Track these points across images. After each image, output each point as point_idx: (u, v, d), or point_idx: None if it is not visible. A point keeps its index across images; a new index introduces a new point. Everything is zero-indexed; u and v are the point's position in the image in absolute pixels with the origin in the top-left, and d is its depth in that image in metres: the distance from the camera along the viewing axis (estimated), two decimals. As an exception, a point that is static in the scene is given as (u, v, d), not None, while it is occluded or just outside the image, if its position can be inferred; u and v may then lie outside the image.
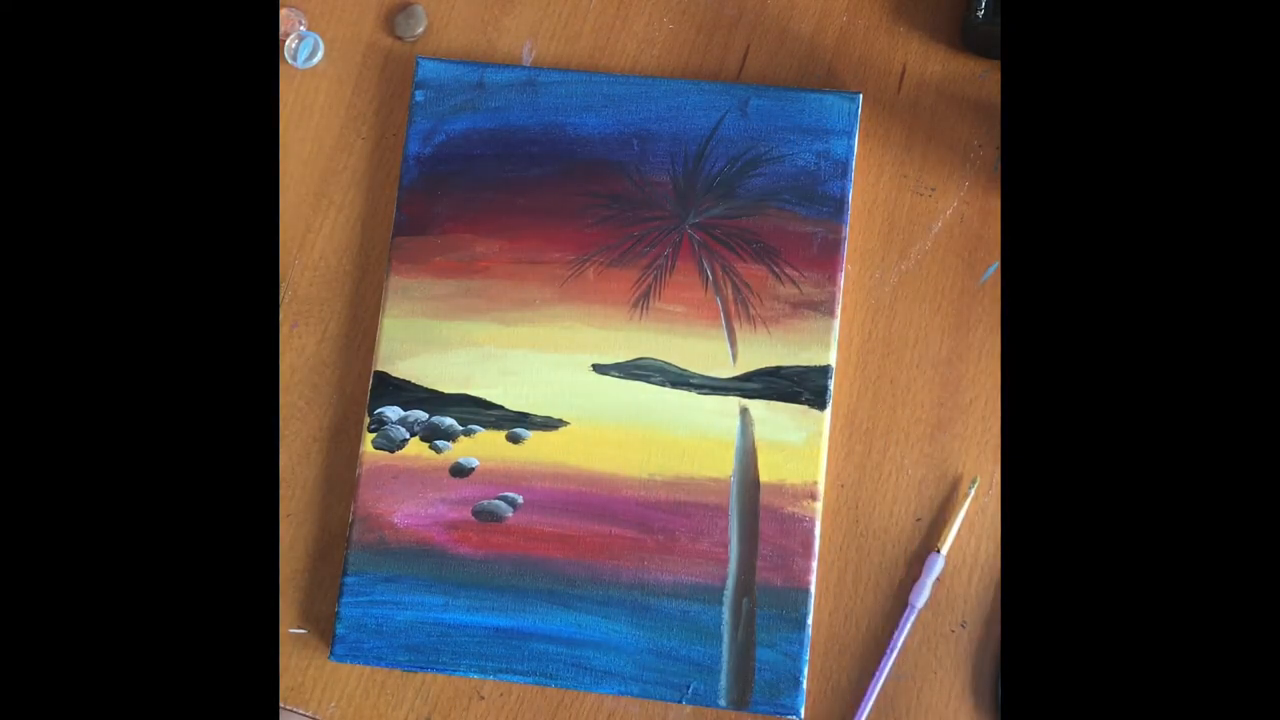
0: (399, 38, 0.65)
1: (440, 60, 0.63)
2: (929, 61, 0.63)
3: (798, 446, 0.58)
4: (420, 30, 0.65)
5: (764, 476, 0.58)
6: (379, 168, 0.64)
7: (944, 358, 0.61)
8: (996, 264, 0.61)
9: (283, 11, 0.65)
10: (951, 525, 0.59)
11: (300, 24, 0.65)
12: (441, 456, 0.60)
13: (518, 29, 0.65)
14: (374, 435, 0.60)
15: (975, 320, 0.61)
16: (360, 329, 0.63)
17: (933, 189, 0.62)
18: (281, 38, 0.65)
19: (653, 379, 0.59)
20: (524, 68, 0.63)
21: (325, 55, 0.65)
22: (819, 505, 0.58)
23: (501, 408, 0.60)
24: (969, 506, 0.59)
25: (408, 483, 0.59)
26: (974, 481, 0.59)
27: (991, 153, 0.62)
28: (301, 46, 0.65)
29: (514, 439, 0.59)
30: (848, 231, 0.60)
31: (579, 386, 0.60)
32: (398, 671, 0.60)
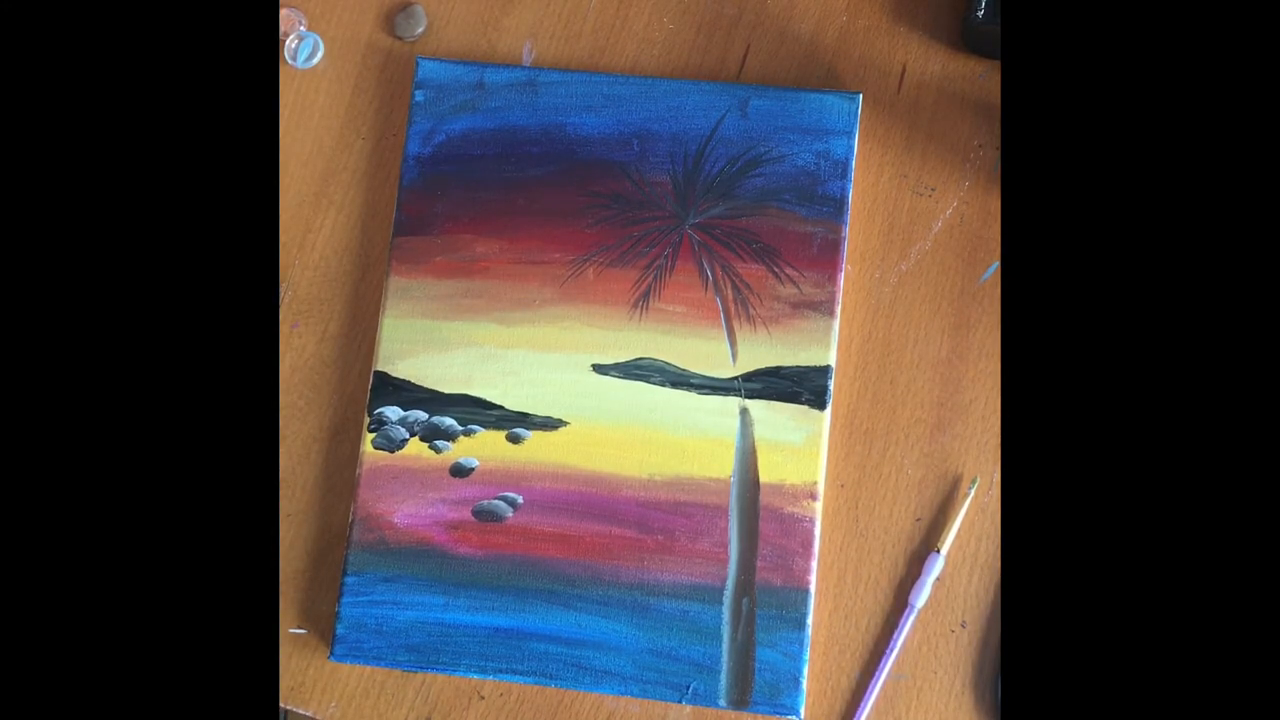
0: (399, 38, 0.65)
1: (440, 60, 0.63)
2: (929, 61, 0.63)
3: (797, 446, 0.58)
4: (420, 30, 0.65)
5: (764, 476, 0.58)
6: (379, 168, 0.64)
7: (944, 358, 0.61)
8: (996, 264, 0.61)
9: (283, 11, 0.65)
10: (951, 525, 0.59)
11: (300, 24, 0.65)
12: (441, 456, 0.60)
13: (518, 29, 0.65)
14: (374, 435, 0.60)
15: (975, 320, 0.61)
16: (360, 329, 0.63)
17: (933, 189, 0.62)
18: (281, 38, 0.65)
19: (653, 379, 0.59)
20: (524, 68, 0.63)
21: (325, 55, 0.65)
22: (819, 505, 0.58)
23: (501, 408, 0.60)
24: (969, 506, 0.59)
25: (408, 483, 0.59)
26: (974, 481, 0.59)
27: (991, 153, 0.62)
28: (301, 46, 0.65)
29: (514, 439, 0.59)
30: (848, 231, 0.60)
31: (579, 386, 0.60)
32: (398, 671, 0.60)
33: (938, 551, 0.58)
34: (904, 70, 0.63)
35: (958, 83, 0.63)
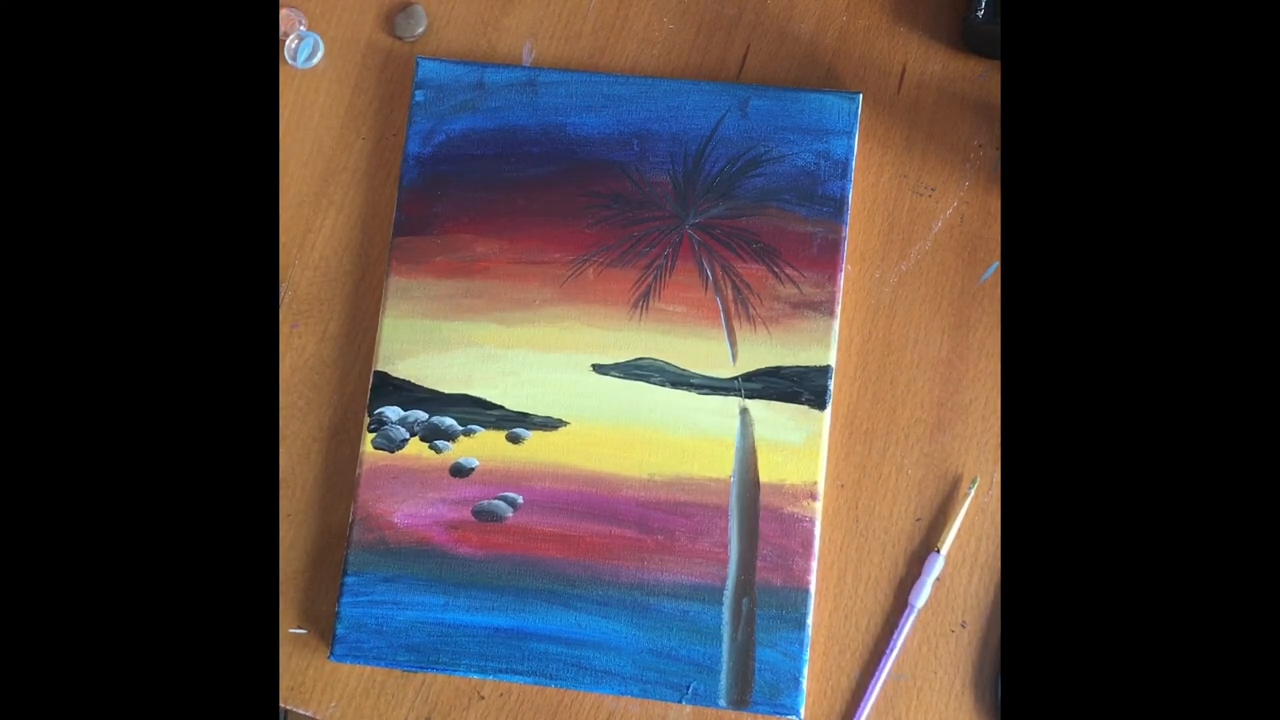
0: (399, 38, 0.65)
1: (440, 60, 0.63)
2: (929, 61, 0.63)
3: (797, 446, 0.58)
4: (420, 30, 0.65)
5: (764, 476, 0.58)
6: (379, 168, 0.64)
7: (944, 358, 0.61)
8: (996, 264, 0.61)
9: (283, 11, 0.65)
10: (951, 525, 0.59)
11: (300, 24, 0.65)
12: (441, 456, 0.60)
13: (518, 29, 0.65)
14: (374, 435, 0.60)
15: (975, 320, 0.61)
16: (360, 329, 0.63)
17: (933, 189, 0.62)
18: (281, 38, 0.65)
19: (653, 379, 0.59)
20: (524, 68, 0.63)
21: (325, 55, 0.65)
22: (819, 505, 0.58)
23: (501, 408, 0.60)
24: (969, 506, 0.59)
25: (408, 483, 0.59)
26: (974, 481, 0.59)
27: (992, 153, 0.62)
28: (301, 46, 0.65)
29: (514, 439, 0.59)
30: (848, 231, 0.60)
31: (579, 386, 0.60)
32: (397, 671, 0.60)
33: (938, 551, 0.58)
34: (904, 70, 0.63)
35: (958, 83, 0.63)
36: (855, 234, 0.62)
